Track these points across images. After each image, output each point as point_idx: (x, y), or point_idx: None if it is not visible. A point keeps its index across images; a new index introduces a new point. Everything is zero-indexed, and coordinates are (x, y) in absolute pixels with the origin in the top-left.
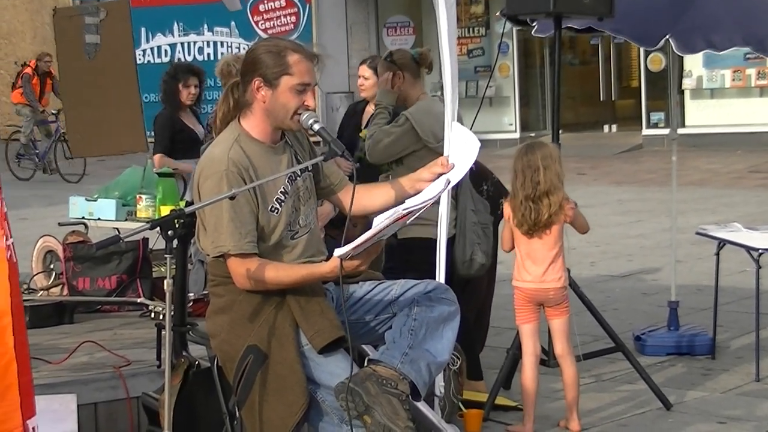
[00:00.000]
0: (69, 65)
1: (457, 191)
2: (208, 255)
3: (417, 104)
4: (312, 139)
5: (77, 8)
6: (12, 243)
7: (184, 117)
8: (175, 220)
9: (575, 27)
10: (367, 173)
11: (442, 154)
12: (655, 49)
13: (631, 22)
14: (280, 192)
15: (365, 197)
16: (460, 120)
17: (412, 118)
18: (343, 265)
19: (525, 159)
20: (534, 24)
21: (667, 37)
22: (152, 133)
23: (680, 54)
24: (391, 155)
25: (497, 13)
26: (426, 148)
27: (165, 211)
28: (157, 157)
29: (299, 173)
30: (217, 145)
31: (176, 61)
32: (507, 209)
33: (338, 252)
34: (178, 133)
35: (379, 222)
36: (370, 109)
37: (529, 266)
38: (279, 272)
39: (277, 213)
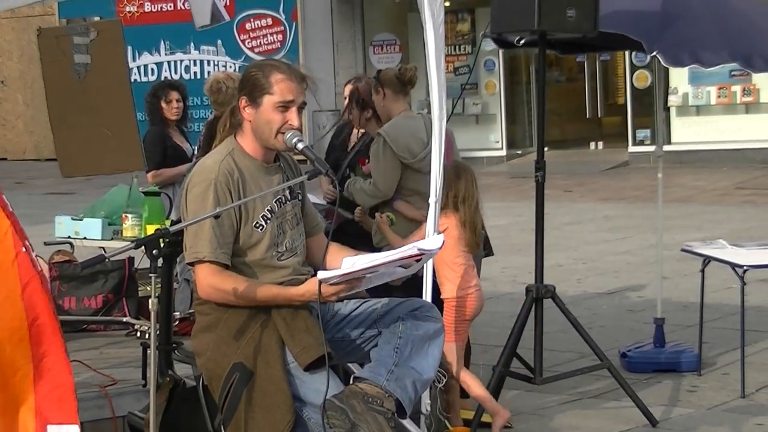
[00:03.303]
0: (56, 86)
1: None
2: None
3: (391, 120)
4: (297, 158)
5: (65, 28)
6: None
7: (172, 134)
8: (160, 240)
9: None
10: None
11: (417, 170)
12: (644, 65)
13: (619, 37)
14: (267, 210)
15: (330, 256)
16: (452, 136)
17: (385, 134)
18: (322, 289)
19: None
20: (521, 43)
21: (655, 53)
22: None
23: (667, 66)
24: (395, 177)
25: (482, 33)
26: (400, 164)
27: (151, 230)
28: (150, 174)
29: (289, 197)
30: (211, 156)
31: (163, 80)
32: (458, 220)
33: (321, 275)
34: (168, 149)
35: (369, 259)
36: (355, 132)
37: (474, 274)
38: (248, 287)
39: (261, 230)
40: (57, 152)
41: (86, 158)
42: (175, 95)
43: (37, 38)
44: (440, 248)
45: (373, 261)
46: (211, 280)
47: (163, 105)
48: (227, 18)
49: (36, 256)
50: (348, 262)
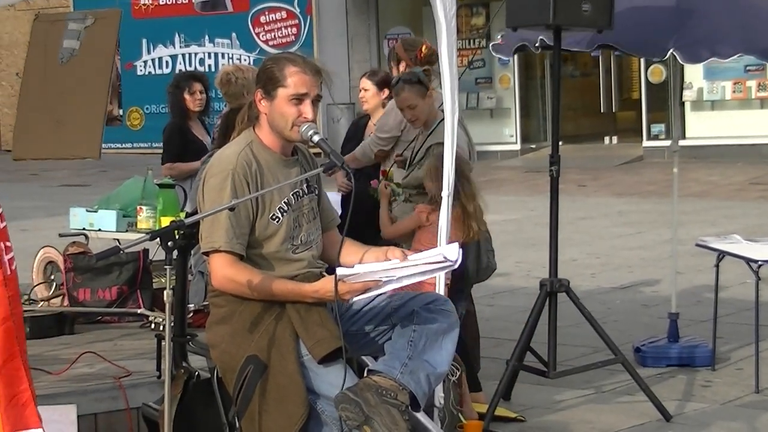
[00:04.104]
0: (36, 66)
1: None
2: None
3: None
4: (312, 150)
5: (62, 14)
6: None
7: (193, 127)
8: (175, 231)
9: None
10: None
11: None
12: (660, 60)
13: (635, 36)
14: (284, 202)
15: (344, 251)
16: (465, 129)
17: None
18: (338, 287)
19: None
20: (537, 49)
21: (672, 50)
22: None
23: (685, 64)
24: None
25: (499, 37)
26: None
27: (165, 222)
28: (166, 166)
29: (306, 191)
30: (230, 147)
31: (177, 72)
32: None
33: (341, 272)
34: (188, 143)
35: (389, 266)
36: (371, 124)
37: None
38: (262, 281)
39: (277, 222)
40: (14, 135)
41: (41, 142)
42: (198, 86)
43: (33, 22)
44: (458, 261)
45: (393, 267)
46: (226, 271)
47: (187, 96)
48: (230, 8)
49: (48, 246)
50: (361, 269)
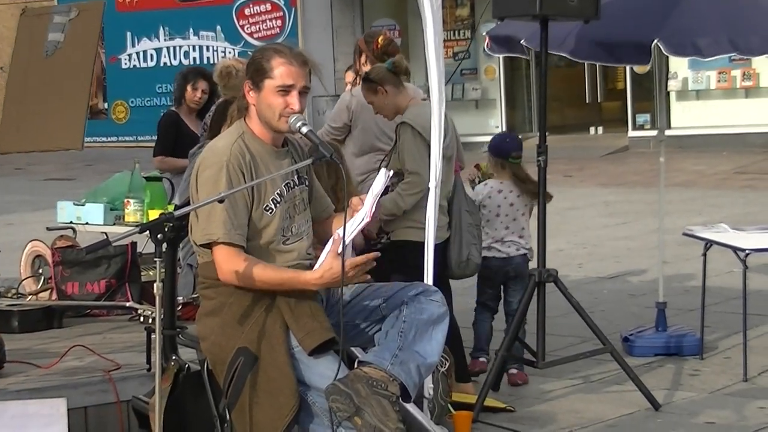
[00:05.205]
0: (22, 61)
1: (453, 192)
2: (196, 244)
3: (410, 110)
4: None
5: (47, 8)
6: None
7: (188, 122)
8: (165, 224)
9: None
10: None
11: (442, 156)
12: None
13: (623, 42)
14: (277, 194)
15: (326, 227)
16: (450, 121)
17: (412, 123)
18: (344, 266)
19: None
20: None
21: (656, 41)
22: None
23: (669, 55)
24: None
25: (485, 36)
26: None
27: (153, 215)
28: (156, 159)
29: (297, 182)
30: (222, 138)
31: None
32: None
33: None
34: (185, 137)
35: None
36: None
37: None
38: (265, 270)
39: (270, 213)
40: (0, 128)
41: (25, 135)
42: (202, 84)
43: (20, 17)
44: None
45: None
46: (229, 264)
47: (189, 89)
48: None
49: (36, 240)
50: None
